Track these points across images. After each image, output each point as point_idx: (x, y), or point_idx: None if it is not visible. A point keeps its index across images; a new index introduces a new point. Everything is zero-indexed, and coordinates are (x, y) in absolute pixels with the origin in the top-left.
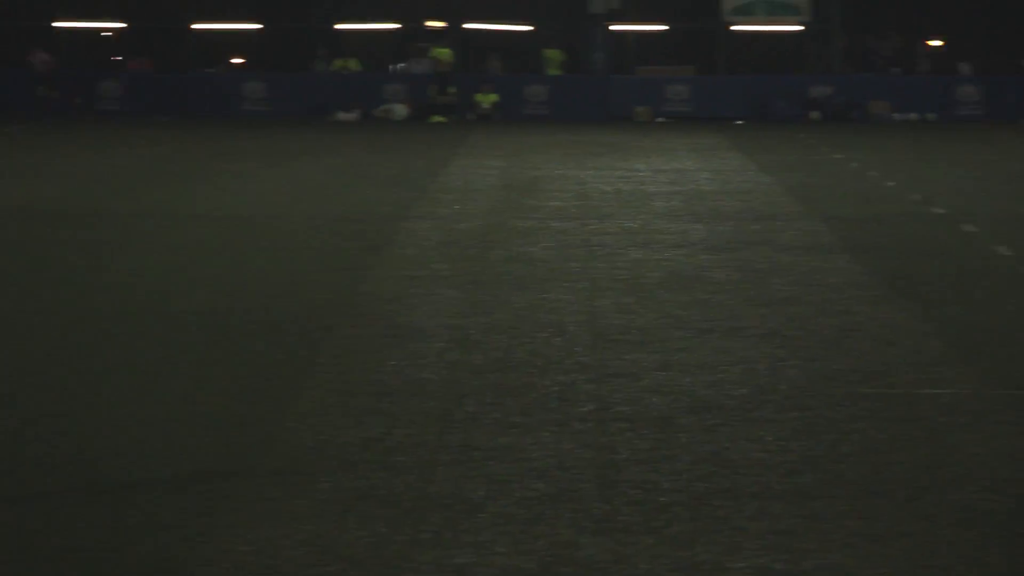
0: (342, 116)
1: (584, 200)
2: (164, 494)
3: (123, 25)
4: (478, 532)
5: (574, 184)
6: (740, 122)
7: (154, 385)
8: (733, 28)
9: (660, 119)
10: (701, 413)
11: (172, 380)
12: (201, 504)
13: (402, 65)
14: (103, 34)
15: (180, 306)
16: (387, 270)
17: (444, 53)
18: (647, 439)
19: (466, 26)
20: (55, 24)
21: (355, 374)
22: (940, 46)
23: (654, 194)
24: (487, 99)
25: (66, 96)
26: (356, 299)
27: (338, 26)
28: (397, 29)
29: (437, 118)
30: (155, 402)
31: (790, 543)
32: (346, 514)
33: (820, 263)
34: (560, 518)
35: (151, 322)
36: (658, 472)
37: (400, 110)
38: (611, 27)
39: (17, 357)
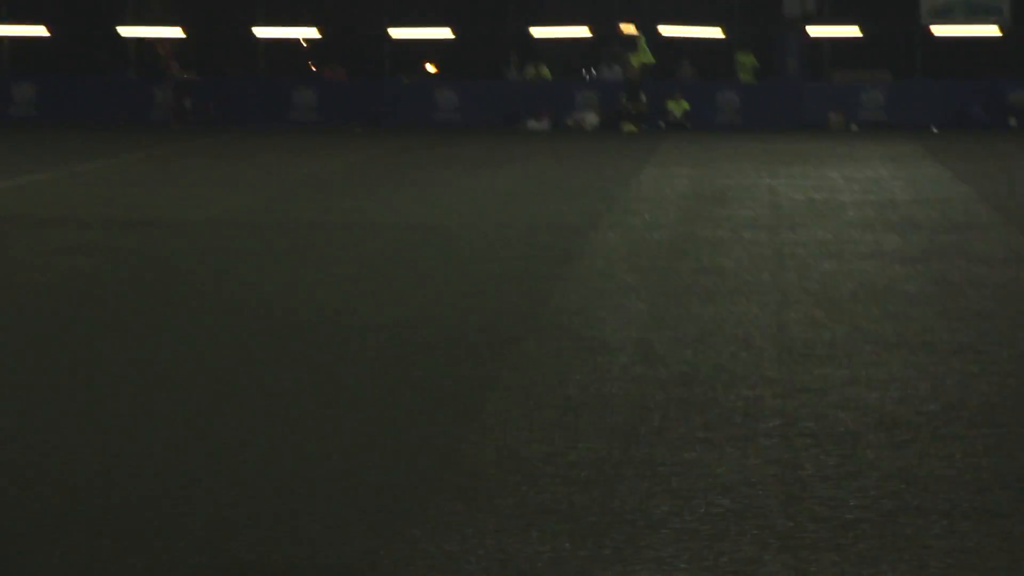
0: (532, 125)
1: (775, 209)
2: (344, 508)
3: (317, 35)
4: (661, 548)
5: (766, 193)
6: (936, 130)
7: (337, 397)
8: (934, 32)
9: (854, 126)
10: (889, 429)
11: (356, 393)
12: (382, 518)
13: (594, 72)
14: (302, 41)
15: (366, 316)
16: (575, 282)
17: (638, 55)
18: (833, 455)
19: (660, 31)
20: (255, 30)
21: (540, 388)
22: None
23: (847, 203)
24: (679, 107)
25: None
26: (543, 311)
27: (533, 32)
28: (589, 35)
29: (628, 127)
30: (337, 414)
31: (979, 562)
32: (528, 529)
33: (1018, 275)
34: (744, 534)
35: (336, 332)
36: (844, 489)
37: (591, 119)
38: (806, 31)
39: (201, 366)
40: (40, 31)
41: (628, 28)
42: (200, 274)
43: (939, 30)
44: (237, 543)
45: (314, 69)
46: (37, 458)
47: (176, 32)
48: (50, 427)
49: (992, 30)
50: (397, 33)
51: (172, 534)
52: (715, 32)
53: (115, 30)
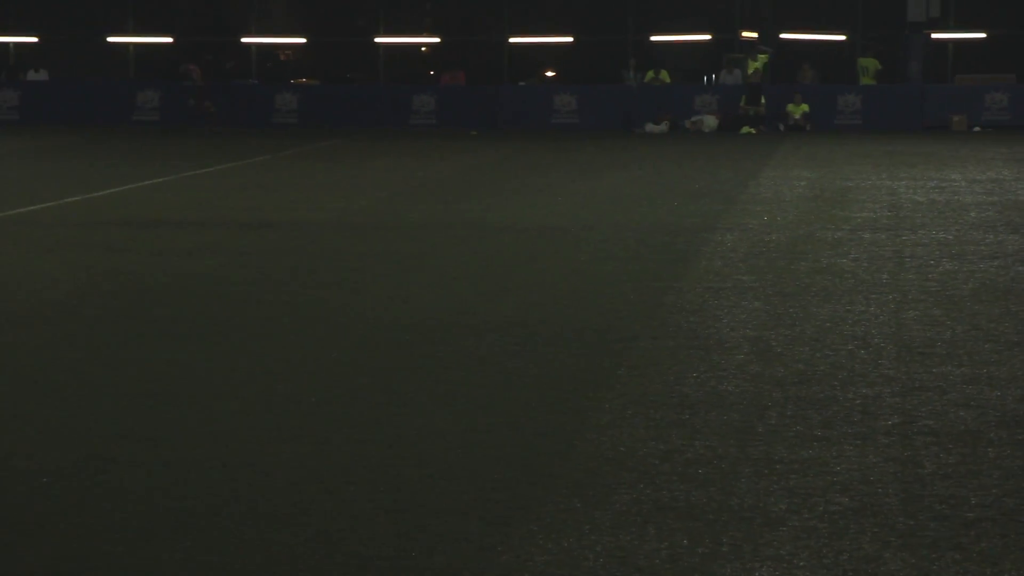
0: (650, 128)
1: (896, 211)
2: (462, 503)
3: (439, 40)
4: (779, 546)
5: (886, 194)
6: None
7: (455, 395)
8: None
9: (976, 128)
10: (1011, 427)
11: (473, 392)
12: (499, 514)
13: (715, 77)
14: (422, 49)
15: (483, 316)
16: (692, 281)
17: (762, 60)
18: (954, 453)
19: (782, 36)
20: (376, 40)
21: (656, 386)
22: None
23: (969, 204)
24: (798, 109)
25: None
26: (660, 310)
27: (653, 38)
28: (709, 40)
29: (747, 129)
30: (455, 412)
31: None
32: (645, 526)
33: None
34: (864, 532)
35: (453, 333)
36: (965, 487)
37: (710, 122)
38: (931, 35)
39: (317, 367)
40: (165, 40)
41: (750, 34)
42: (319, 275)
43: None
44: (353, 538)
45: (438, 75)
46: (155, 454)
47: (298, 40)
48: (169, 424)
49: None
50: (516, 39)
51: (286, 528)
52: (838, 36)
53: (238, 39)
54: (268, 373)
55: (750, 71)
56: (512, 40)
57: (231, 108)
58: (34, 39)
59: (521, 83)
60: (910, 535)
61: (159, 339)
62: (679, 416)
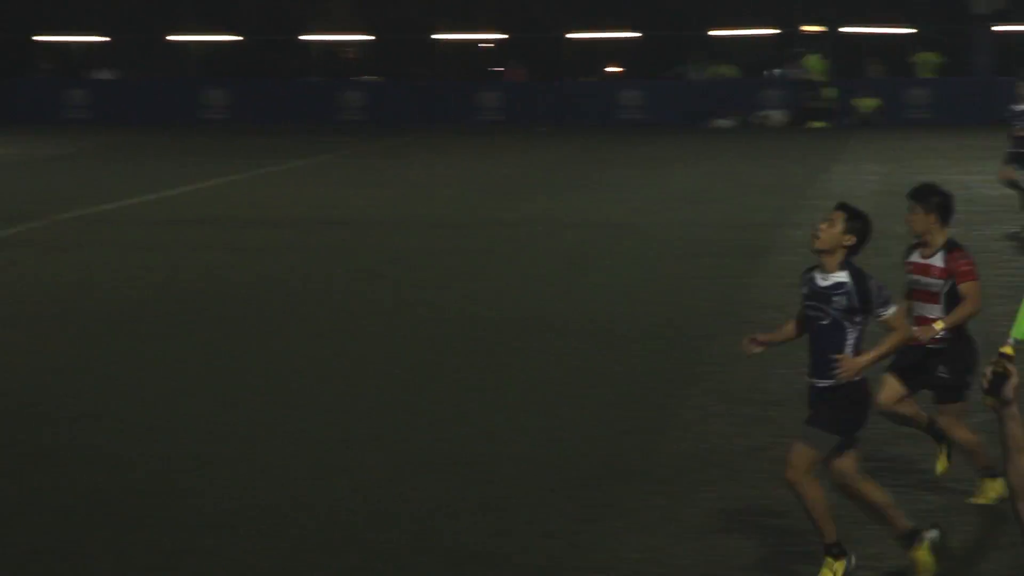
0: (718, 123)
1: (969, 205)
2: (551, 501)
3: (501, 36)
4: (870, 543)
5: (958, 188)
6: None
7: (539, 393)
8: None
9: None
10: None
11: (557, 388)
12: (587, 511)
13: (778, 71)
14: (481, 45)
15: (561, 313)
16: (767, 277)
17: (812, 61)
18: None
19: (843, 30)
20: (435, 36)
21: (739, 382)
22: None
23: None
24: (867, 104)
25: None
26: (737, 307)
27: (713, 32)
28: (774, 34)
29: (816, 123)
30: (541, 411)
31: None
32: (732, 524)
33: None
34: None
35: (533, 330)
36: None
37: (778, 116)
38: (995, 28)
39: (400, 364)
40: (232, 38)
41: (812, 28)
42: (393, 273)
43: None
44: (445, 534)
45: (499, 71)
46: (251, 452)
47: (363, 37)
48: (262, 426)
49: None
50: (576, 35)
51: (381, 525)
52: (903, 29)
53: (299, 37)
54: (346, 372)
55: (803, 63)
56: (572, 36)
57: (297, 106)
58: (105, 39)
59: (584, 79)
60: None
61: (233, 339)
62: (764, 413)
